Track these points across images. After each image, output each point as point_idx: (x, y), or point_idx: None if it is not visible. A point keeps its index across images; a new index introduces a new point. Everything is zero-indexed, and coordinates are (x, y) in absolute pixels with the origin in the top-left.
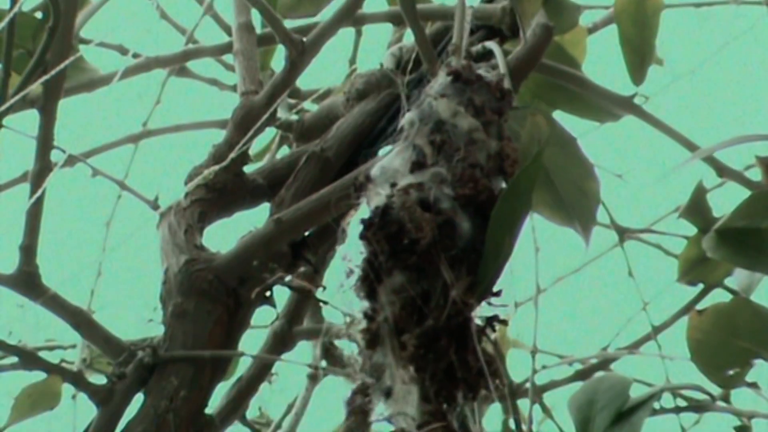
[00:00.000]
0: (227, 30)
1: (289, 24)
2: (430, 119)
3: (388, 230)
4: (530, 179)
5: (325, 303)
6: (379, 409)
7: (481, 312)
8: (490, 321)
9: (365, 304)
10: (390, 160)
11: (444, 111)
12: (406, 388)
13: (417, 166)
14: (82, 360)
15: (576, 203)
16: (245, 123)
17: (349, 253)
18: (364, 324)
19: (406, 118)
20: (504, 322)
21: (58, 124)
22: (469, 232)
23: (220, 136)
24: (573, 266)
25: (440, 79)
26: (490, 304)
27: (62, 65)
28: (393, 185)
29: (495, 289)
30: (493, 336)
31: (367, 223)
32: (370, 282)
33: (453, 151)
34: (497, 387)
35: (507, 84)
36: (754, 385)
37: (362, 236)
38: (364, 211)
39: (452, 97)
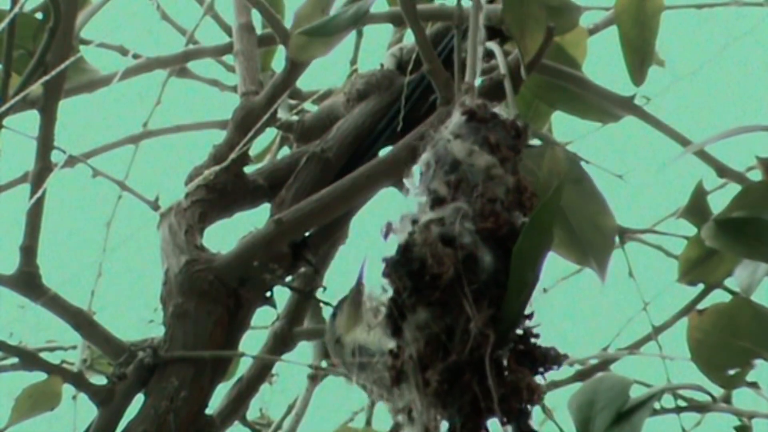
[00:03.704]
0: (228, 30)
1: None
2: (446, 161)
3: (410, 267)
4: (551, 213)
5: (326, 303)
6: None
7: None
8: (527, 339)
9: (391, 342)
10: (409, 202)
11: (459, 151)
12: (435, 423)
13: (437, 202)
14: (82, 360)
15: (591, 240)
16: (246, 123)
17: (374, 292)
18: (389, 362)
19: (422, 159)
20: (537, 336)
21: (59, 125)
22: (491, 266)
23: (220, 136)
24: (573, 266)
25: (455, 119)
26: (523, 333)
27: (62, 66)
28: (414, 222)
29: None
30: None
31: (389, 262)
32: (394, 320)
33: (471, 188)
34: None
35: (522, 122)
36: (754, 385)
37: (385, 274)
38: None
39: (466, 137)
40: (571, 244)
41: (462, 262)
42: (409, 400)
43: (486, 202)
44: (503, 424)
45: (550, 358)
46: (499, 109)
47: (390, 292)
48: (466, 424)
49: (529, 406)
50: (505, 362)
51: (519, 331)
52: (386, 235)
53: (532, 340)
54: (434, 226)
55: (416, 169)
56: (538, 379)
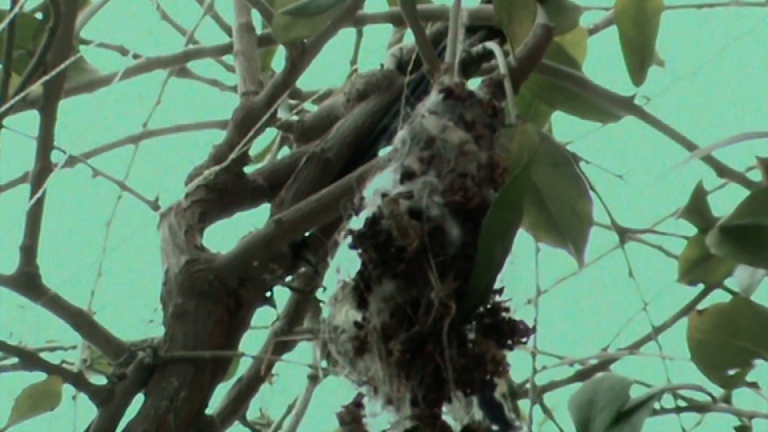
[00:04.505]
0: (228, 30)
1: None
2: (421, 137)
3: (376, 239)
4: (521, 187)
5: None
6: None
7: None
8: (496, 312)
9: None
10: (382, 178)
11: (433, 127)
12: (398, 395)
13: (407, 176)
14: (82, 361)
15: (569, 225)
16: (246, 123)
17: (343, 265)
18: (353, 332)
19: (398, 136)
20: (507, 310)
21: (59, 125)
22: (459, 240)
23: (220, 136)
24: (573, 267)
25: (432, 97)
26: (492, 307)
27: (62, 66)
28: (384, 195)
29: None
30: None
31: (356, 233)
32: (360, 292)
33: (443, 163)
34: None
35: (498, 102)
36: (754, 385)
37: (352, 246)
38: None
39: (442, 114)
40: (549, 227)
41: (428, 234)
42: (373, 371)
43: (456, 176)
44: (466, 395)
45: (518, 332)
46: (477, 89)
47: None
48: (428, 394)
49: (494, 379)
50: (472, 335)
51: (488, 306)
52: (358, 211)
53: (502, 314)
54: (402, 199)
55: (392, 146)
56: (506, 352)
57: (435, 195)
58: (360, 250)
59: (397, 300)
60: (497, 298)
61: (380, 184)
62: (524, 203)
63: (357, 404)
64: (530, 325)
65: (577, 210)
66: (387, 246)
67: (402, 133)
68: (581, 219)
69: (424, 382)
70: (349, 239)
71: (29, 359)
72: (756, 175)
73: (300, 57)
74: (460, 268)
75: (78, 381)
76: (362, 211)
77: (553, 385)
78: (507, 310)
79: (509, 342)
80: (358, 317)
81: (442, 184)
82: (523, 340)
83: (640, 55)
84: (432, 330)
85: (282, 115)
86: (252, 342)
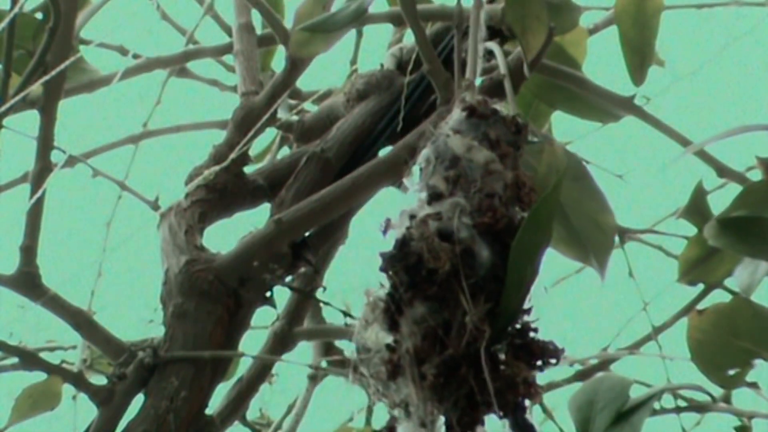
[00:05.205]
0: (227, 30)
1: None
2: (446, 156)
3: (407, 262)
4: (550, 208)
5: (326, 304)
6: None
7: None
8: (525, 333)
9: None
10: (409, 200)
11: (458, 147)
12: (431, 418)
13: (435, 197)
14: (82, 361)
15: (592, 238)
16: (245, 123)
17: (372, 288)
18: (386, 356)
19: (422, 155)
20: (536, 330)
21: (59, 125)
22: (488, 260)
23: (220, 136)
24: (573, 266)
25: (455, 115)
26: (521, 327)
27: (62, 66)
28: (412, 217)
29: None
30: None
31: (386, 256)
32: (391, 314)
33: (469, 184)
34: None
35: (523, 119)
36: (754, 385)
37: (382, 269)
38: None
39: (466, 133)
40: (572, 241)
41: (459, 256)
42: (406, 394)
43: (484, 197)
44: (500, 417)
45: (548, 352)
46: (499, 106)
47: (387, 287)
48: (462, 418)
49: (525, 401)
50: (502, 356)
51: (517, 326)
52: (385, 231)
53: (531, 334)
54: (431, 221)
55: (417, 164)
56: (537, 373)
57: (464, 216)
58: (390, 273)
59: (429, 322)
60: (525, 318)
61: (407, 204)
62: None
63: (390, 428)
64: (560, 346)
65: (599, 223)
66: (418, 268)
67: (426, 152)
68: (604, 232)
69: (458, 406)
70: (380, 260)
71: (29, 359)
72: (756, 175)
73: (300, 57)
74: (491, 290)
75: (78, 381)
76: (388, 231)
77: (553, 385)
78: (535, 330)
79: (539, 363)
80: (389, 339)
81: (470, 204)
82: (553, 360)
83: (640, 55)
84: (465, 353)
85: (282, 115)
86: (252, 342)
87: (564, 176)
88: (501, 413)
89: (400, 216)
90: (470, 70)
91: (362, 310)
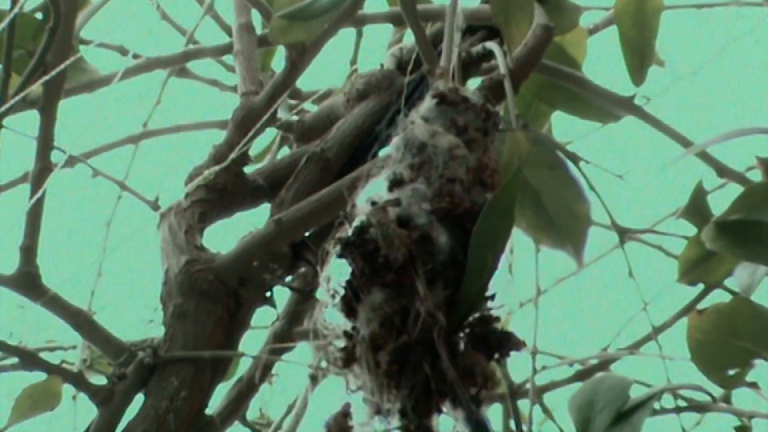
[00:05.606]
0: (227, 30)
1: None
2: (413, 143)
3: (364, 248)
4: (512, 195)
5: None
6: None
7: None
8: (487, 322)
9: (346, 324)
10: (375, 185)
11: (423, 134)
12: (389, 405)
13: (396, 183)
14: (82, 361)
15: (567, 226)
16: (245, 123)
17: (334, 273)
18: (342, 342)
19: (393, 143)
20: (497, 320)
21: (59, 125)
22: (447, 247)
23: (220, 136)
24: (573, 267)
25: (426, 103)
26: (481, 316)
27: (62, 66)
28: (373, 204)
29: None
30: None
31: (344, 243)
32: (349, 301)
33: (432, 169)
34: (486, 389)
35: (493, 106)
36: (754, 385)
37: (340, 255)
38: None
39: (434, 120)
40: (547, 228)
41: (416, 242)
42: (363, 381)
43: (445, 182)
44: (455, 407)
45: (507, 344)
46: (471, 93)
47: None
48: (417, 405)
49: (482, 393)
50: (462, 346)
51: (478, 315)
52: (350, 218)
53: (493, 324)
54: (390, 207)
55: (389, 152)
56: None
57: (423, 202)
58: (348, 259)
59: (385, 310)
60: (489, 305)
61: (372, 191)
62: (522, 206)
63: (344, 414)
64: (521, 338)
65: (574, 211)
66: (375, 255)
67: (396, 140)
68: (579, 219)
69: (413, 393)
70: (338, 248)
71: (29, 359)
72: (756, 175)
73: (300, 57)
74: (450, 276)
75: (78, 381)
76: (354, 219)
77: (553, 385)
78: (498, 319)
79: (497, 355)
80: (348, 327)
81: (430, 190)
82: (511, 352)
83: (640, 55)
84: (421, 340)
85: (282, 115)
86: (252, 342)
87: (525, 163)
88: (457, 403)
89: (365, 202)
90: (445, 57)
91: (322, 296)
